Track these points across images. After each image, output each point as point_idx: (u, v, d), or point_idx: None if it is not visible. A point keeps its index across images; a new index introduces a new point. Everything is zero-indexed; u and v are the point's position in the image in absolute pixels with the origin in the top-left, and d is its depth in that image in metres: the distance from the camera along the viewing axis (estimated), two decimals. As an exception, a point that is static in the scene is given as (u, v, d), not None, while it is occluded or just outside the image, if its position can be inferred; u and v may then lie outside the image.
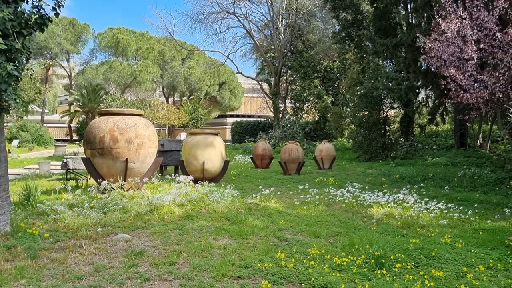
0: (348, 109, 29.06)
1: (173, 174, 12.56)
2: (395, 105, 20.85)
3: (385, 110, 20.25)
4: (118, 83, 45.15)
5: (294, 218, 7.38)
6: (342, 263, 4.61)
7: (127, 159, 8.68)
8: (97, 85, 41.12)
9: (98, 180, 8.60)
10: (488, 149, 18.06)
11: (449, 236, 5.88)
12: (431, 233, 6.25)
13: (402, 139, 19.79)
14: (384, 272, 4.33)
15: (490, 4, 8.08)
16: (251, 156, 18.59)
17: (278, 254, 4.95)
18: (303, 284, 4.12)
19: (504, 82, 7.57)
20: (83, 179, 10.94)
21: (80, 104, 40.50)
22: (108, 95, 39.96)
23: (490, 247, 5.34)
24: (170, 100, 54.00)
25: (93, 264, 4.59)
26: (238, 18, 34.36)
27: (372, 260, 4.64)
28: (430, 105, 20.44)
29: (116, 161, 8.68)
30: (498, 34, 7.57)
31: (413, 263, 4.67)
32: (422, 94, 20.88)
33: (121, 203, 7.22)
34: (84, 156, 9.25)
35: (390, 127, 20.70)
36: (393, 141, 19.98)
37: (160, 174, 13.30)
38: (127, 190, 8.24)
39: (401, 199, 8.96)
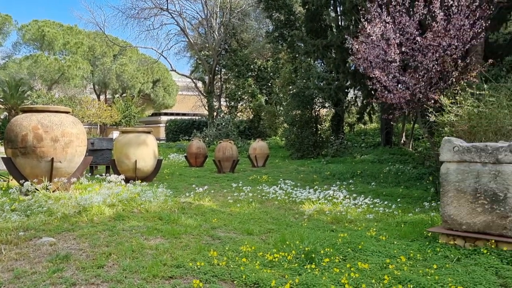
0: (282, 108, 29.56)
1: (104, 174, 12.15)
2: (326, 104, 21.50)
3: (317, 109, 20.82)
4: (45, 78, 42.76)
5: (228, 216, 7.41)
6: (274, 259, 4.69)
7: (52, 159, 8.27)
8: (20, 79, 38.66)
9: (21, 181, 8.12)
10: (410, 147, 19.14)
11: (375, 229, 6.17)
12: (358, 227, 6.52)
13: (333, 137, 20.46)
14: (314, 266, 4.46)
15: (411, 10, 8.58)
16: (185, 154, 18.41)
17: (210, 252, 4.95)
18: (235, 282, 4.14)
19: (423, 83, 8.07)
20: (4, 180, 10.28)
21: (2, 100, 37.93)
22: (33, 91, 37.78)
23: (411, 239, 5.65)
24: (102, 97, 52.05)
25: (13, 270, 4.33)
26: (171, 15, 33.83)
27: (303, 255, 4.76)
28: (359, 104, 21.31)
29: (41, 160, 8.24)
30: (418, 38, 8.06)
31: (341, 257, 4.84)
32: (351, 94, 21.72)
33: (46, 205, 6.87)
34: (5, 155, 8.70)
35: (322, 125, 21.32)
36: (324, 139, 20.59)
37: (90, 174, 12.82)
38: (53, 191, 7.85)
39: (331, 195, 9.27)
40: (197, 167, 16.92)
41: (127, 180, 9.68)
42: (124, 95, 49.61)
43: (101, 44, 47.73)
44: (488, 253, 4.71)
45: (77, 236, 5.68)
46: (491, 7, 8.17)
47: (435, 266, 4.38)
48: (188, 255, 4.89)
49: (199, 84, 39.05)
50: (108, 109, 40.28)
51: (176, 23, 34.36)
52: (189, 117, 40.33)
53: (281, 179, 12.25)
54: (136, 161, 11.33)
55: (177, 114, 50.64)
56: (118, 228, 6.13)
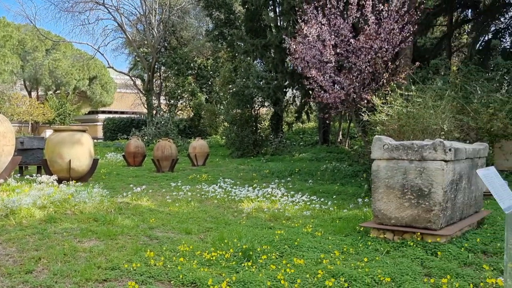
0: (222, 106, 29.57)
1: (34, 174, 11.56)
2: (266, 104, 21.76)
3: (257, 108, 21.02)
4: (-31, 73, 39.93)
5: (166, 216, 7.31)
6: (212, 258, 4.70)
7: (-24, 160, 7.78)
8: None
9: None
10: (347, 145, 19.81)
11: (311, 226, 6.34)
12: (295, 224, 6.67)
13: (272, 136, 20.74)
14: (251, 264, 4.51)
15: (345, 13, 8.89)
16: (123, 154, 17.92)
17: (147, 253, 4.87)
18: (172, 282, 4.11)
19: (357, 84, 8.40)
20: None
21: None
22: (-46, 88, 35.21)
23: (345, 234, 5.86)
24: (34, 94, 49.32)
25: None
26: (108, 10, 32.72)
27: (240, 253, 4.80)
28: (297, 104, 21.76)
29: (-37, 162, 7.72)
30: (352, 40, 8.36)
31: (278, 253, 4.94)
32: (290, 93, 22.11)
33: (-32, 209, 6.45)
34: None
35: (261, 124, 21.56)
36: (264, 138, 20.83)
37: (19, 175, 12.15)
38: (-24, 194, 7.38)
39: (270, 193, 9.40)
40: (136, 166, 16.53)
41: (60, 181, 9.28)
42: (58, 92, 47.33)
43: (32, 38, 45.14)
44: (415, 245, 4.98)
45: (3, 240, 5.38)
46: (418, 12, 8.63)
47: (366, 259, 4.58)
48: (124, 257, 4.79)
49: (138, 82, 38.09)
50: (40, 106, 38.30)
51: (113, 18, 33.31)
52: (128, 116, 39.27)
53: (220, 178, 12.24)
54: (70, 161, 10.88)
55: (116, 113, 49.06)
56: (49, 231, 5.87)
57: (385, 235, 5.45)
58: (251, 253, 4.77)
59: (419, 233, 5.13)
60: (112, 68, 36.91)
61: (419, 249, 4.90)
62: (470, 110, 10.18)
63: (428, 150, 5.06)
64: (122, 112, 47.88)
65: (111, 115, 42.08)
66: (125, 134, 32.19)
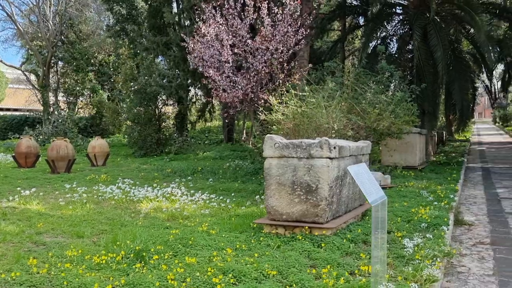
0: (124, 104, 28.61)
1: None
2: (170, 102, 21.46)
3: (160, 107, 20.66)
4: None
5: (57, 220, 6.92)
6: (102, 262, 4.55)
7: None
8: None
9: None
10: (250, 143, 20.19)
11: (207, 224, 6.38)
12: (192, 223, 6.67)
13: (176, 134, 20.51)
14: (143, 265, 4.44)
15: (242, 14, 9.07)
16: (13, 154, 16.59)
17: (30, 260, 4.59)
18: (56, 289, 3.92)
19: (254, 84, 8.62)
20: None
21: None
22: None
23: (241, 231, 5.98)
24: None
25: None
26: (-5, -2, 30.06)
27: (132, 255, 4.70)
28: (200, 102, 21.74)
29: None
30: (249, 41, 8.56)
31: (172, 253, 4.91)
32: (192, 92, 22.02)
33: None
34: None
35: (166, 123, 21.21)
36: (167, 136, 20.54)
37: None
38: None
39: (170, 192, 9.30)
40: (28, 168, 15.38)
41: None
42: None
43: None
44: (303, 239, 5.25)
45: None
46: (311, 17, 9.07)
47: (256, 255, 4.73)
48: (3, 266, 4.46)
49: (32, 77, 35.42)
50: None
51: (1, 7, 30.62)
52: (22, 113, 36.35)
53: (120, 178, 11.84)
54: None
55: (8, 110, 45.16)
56: None
57: (277, 230, 5.66)
58: (144, 254, 4.69)
59: (307, 227, 5.41)
60: (1, 61, 33.95)
61: (307, 242, 5.16)
62: (359, 110, 10.92)
63: (315, 148, 5.35)
64: (16, 109, 44.22)
65: (2, 113, 38.66)
66: (18, 133, 29.82)
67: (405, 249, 4.86)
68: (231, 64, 8.86)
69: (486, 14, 18.69)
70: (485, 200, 9.39)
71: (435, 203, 7.63)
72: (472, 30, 16.24)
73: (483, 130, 54.11)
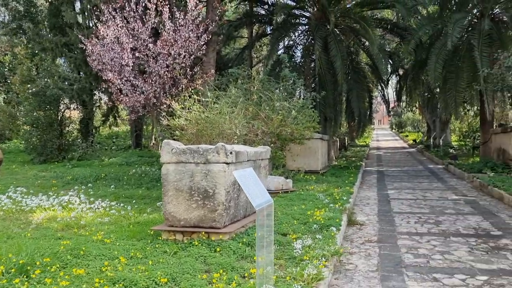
0: (22, 107, 26.65)
1: None
2: (73, 106, 20.40)
3: (62, 110, 19.56)
4: None
5: None
6: (-25, 280, 4.18)
7: None
8: None
9: None
10: (159, 149, 19.78)
11: (103, 232, 6.15)
12: (88, 232, 6.38)
13: (80, 140, 19.54)
14: (24, 280, 4.16)
15: (144, 17, 8.90)
16: None
17: None
18: None
19: (156, 88, 8.48)
20: None
21: None
22: None
23: (138, 239, 5.84)
24: None
25: None
26: None
27: (14, 270, 4.38)
28: (105, 107, 20.94)
29: None
30: (150, 45, 8.42)
31: (60, 265, 4.65)
32: (97, 96, 21.14)
33: None
34: None
35: (69, 128, 20.12)
36: (70, 142, 19.51)
37: None
38: None
39: (67, 200, 8.83)
40: None
41: None
42: None
43: None
44: (200, 244, 5.25)
45: None
46: (214, 23, 9.15)
47: (150, 262, 4.64)
48: None
49: None
50: None
51: None
52: None
53: (12, 187, 10.99)
54: None
55: None
56: None
57: (175, 237, 5.61)
58: (28, 268, 4.40)
59: (204, 232, 5.43)
60: None
61: (204, 247, 5.17)
62: (263, 116, 11.21)
63: (212, 154, 5.40)
64: None
65: None
66: None
67: (296, 250, 5.07)
68: (131, 67, 8.64)
69: (380, 28, 20.19)
70: (377, 201, 10.08)
71: (331, 205, 8.03)
72: (367, 43, 17.41)
73: (382, 136, 58.18)
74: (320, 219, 6.67)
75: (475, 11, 16.30)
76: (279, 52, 19.05)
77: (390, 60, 22.14)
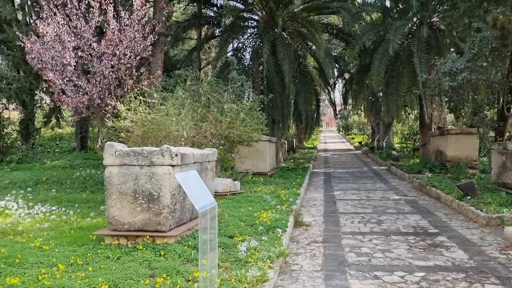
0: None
1: None
2: (12, 106, 19.44)
3: (0, 111, 18.58)
4: None
5: None
6: None
7: None
8: None
9: None
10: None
11: (42, 239, 5.89)
12: (25, 239, 6.09)
13: (20, 142, 18.64)
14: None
15: (88, 15, 8.63)
16: None
17: None
18: None
19: (101, 89, 8.23)
20: None
21: None
22: None
23: (80, 244, 5.64)
24: None
25: None
26: None
27: None
28: (47, 107, 20.11)
29: None
30: (94, 44, 8.17)
31: (-8, 275, 4.41)
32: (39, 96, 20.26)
33: None
34: None
35: (7, 129, 19.13)
36: (9, 144, 18.56)
37: None
38: None
39: (4, 206, 8.39)
40: None
41: None
42: None
43: None
44: (145, 249, 5.14)
45: None
46: (160, 24, 9.02)
47: (90, 269, 4.49)
48: None
49: None
50: None
51: None
52: None
53: None
54: None
55: None
56: None
57: (119, 241, 5.47)
58: (-44, 280, 4.14)
59: (148, 236, 5.33)
60: None
61: (148, 251, 5.07)
62: (212, 118, 11.17)
63: (157, 156, 5.32)
64: None
65: None
66: None
67: (242, 253, 5.08)
68: (74, 67, 8.35)
69: (326, 33, 20.71)
70: (323, 202, 10.31)
71: (278, 207, 8.12)
72: (314, 47, 17.79)
73: (329, 138, 59.58)
74: (267, 220, 6.73)
75: (415, 19, 17.04)
76: (228, 54, 19.06)
77: (336, 64, 22.74)
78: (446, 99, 14.58)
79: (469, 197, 8.78)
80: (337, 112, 34.76)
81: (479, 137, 10.95)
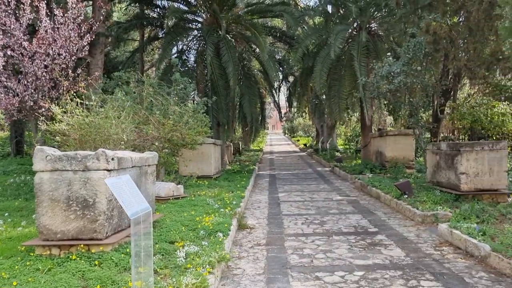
0: None
1: None
2: None
3: None
4: None
5: None
6: None
7: None
8: None
9: None
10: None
11: (-36, 252, 5.46)
12: None
13: None
14: None
15: (18, 12, 8.14)
16: None
17: None
18: None
19: (33, 90, 7.79)
20: None
21: None
22: None
23: (7, 256, 5.27)
24: None
25: None
26: None
27: None
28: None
29: None
30: (25, 43, 7.72)
31: None
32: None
33: None
34: None
35: None
36: None
37: None
38: None
39: None
40: None
41: None
42: None
43: None
44: (79, 258, 4.88)
45: None
46: (98, 24, 8.68)
47: (15, 283, 4.20)
48: None
49: None
50: None
51: None
52: None
53: None
54: None
55: None
56: None
57: (50, 252, 5.17)
58: None
59: (83, 245, 5.07)
60: None
61: (83, 261, 4.81)
62: (154, 121, 10.91)
63: (92, 160, 5.08)
64: None
65: None
66: None
67: (180, 259, 4.95)
68: (2, 67, 7.84)
69: (270, 36, 20.89)
70: (268, 204, 10.33)
71: (221, 210, 8.03)
72: (258, 50, 17.87)
73: (275, 141, 60.17)
74: (209, 224, 6.62)
75: (355, 24, 17.53)
76: (173, 56, 18.78)
77: (280, 67, 22.98)
78: (385, 102, 15.13)
79: (406, 196, 9.10)
80: (282, 115, 35.18)
81: (415, 138, 11.39)
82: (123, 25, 16.92)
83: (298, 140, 52.72)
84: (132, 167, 5.83)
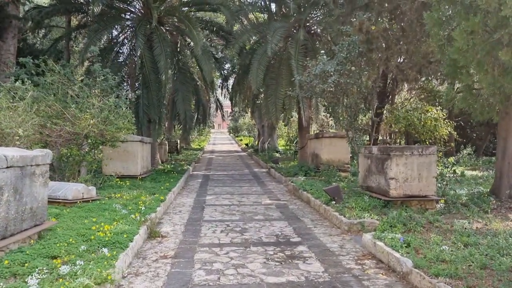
0: None
1: None
2: None
3: None
4: None
5: None
6: None
7: None
8: None
9: None
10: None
11: None
12: None
13: None
14: None
15: None
16: None
17: None
18: None
19: None
20: None
21: None
22: None
23: None
24: None
25: None
26: None
27: None
28: None
29: None
30: None
31: None
32: None
33: None
34: None
35: None
36: None
37: None
38: None
39: None
40: None
41: None
42: None
43: None
44: None
45: None
46: (10, 6, 7.60)
47: None
48: None
49: None
50: None
51: None
52: None
53: None
54: None
55: None
56: None
57: None
58: None
59: None
60: None
61: None
62: (69, 115, 9.87)
63: None
64: None
65: None
66: None
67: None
68: None
69: (206, 30, 20.08)
70: (191, 208, 9.58)
71: (131, 216, 7.19)
72: (192, 43, 17.04)
73: (219, 140, 59.34)
74: (108, 234, 5.78)
75: (295, 23, 17.11)
76: (104, 45, 17.55)
77: (220, 65, 22.21)
78: (324, 103, 14.76)
79: (335, 202, 8.67)
80: (227, 114, 34.41)
81: (348, 141, 11.03)
82: (44, 10, 15.47)
83: (241, 140, 52.21)
84: (8, 167, 4.89)
